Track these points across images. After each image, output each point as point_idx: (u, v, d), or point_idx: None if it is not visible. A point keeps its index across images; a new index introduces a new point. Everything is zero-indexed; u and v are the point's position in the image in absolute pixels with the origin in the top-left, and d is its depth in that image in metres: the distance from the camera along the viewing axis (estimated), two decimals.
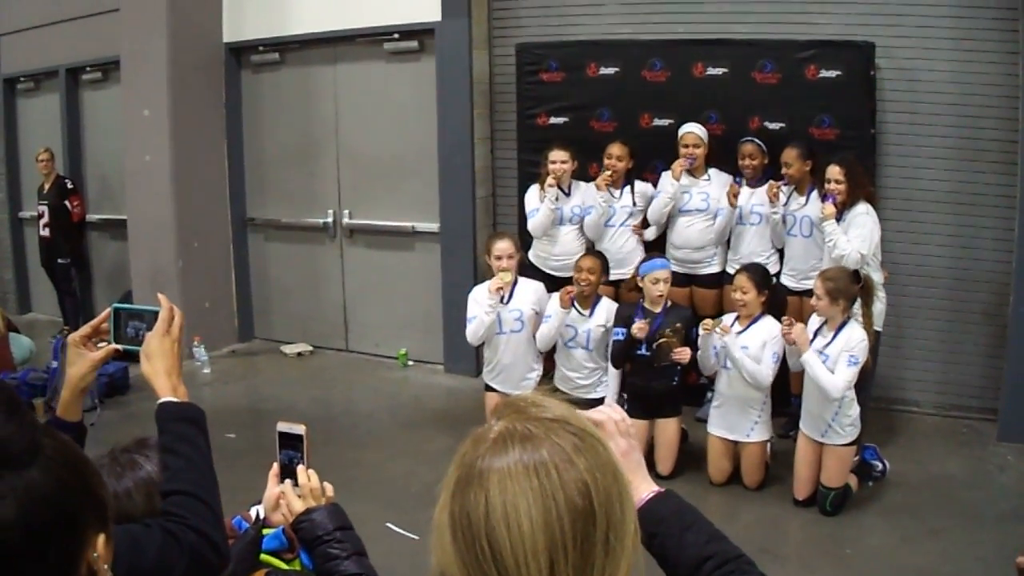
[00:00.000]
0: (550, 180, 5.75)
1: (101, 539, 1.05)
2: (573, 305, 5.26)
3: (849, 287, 4.59)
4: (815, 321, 4.75)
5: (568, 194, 5.89)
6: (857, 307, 4.69)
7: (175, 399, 1.65)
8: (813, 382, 4.57)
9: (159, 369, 1.68)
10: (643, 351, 5.03)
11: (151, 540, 1.43)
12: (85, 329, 1.80)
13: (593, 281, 5.28)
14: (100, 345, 1.80)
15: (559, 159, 5.77)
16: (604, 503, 0.99)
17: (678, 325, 5.00)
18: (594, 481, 0.99)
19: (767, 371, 4.79)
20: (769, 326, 4.86)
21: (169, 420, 1.62)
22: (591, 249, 5.76)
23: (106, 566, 1.06)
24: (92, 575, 1.05)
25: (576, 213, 5.90)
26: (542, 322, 5.35)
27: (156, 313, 1.74)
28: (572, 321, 5.32)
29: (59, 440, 1.05)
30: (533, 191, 5.96)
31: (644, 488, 1.42)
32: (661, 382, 5.06)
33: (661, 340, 4.96)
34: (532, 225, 5.91)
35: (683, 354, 4.92)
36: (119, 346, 1.79)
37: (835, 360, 4.51)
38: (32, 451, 0.99)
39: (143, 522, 1.47)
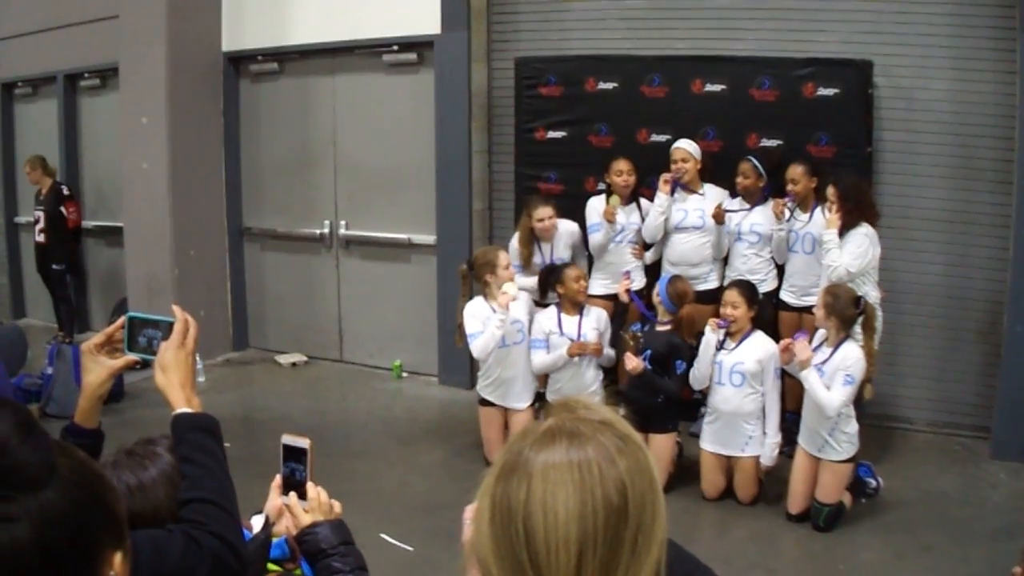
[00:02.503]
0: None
1: (118, 557, 1.05)
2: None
3: (847, 308, 4.59)
4: (817, 336, 4.77)
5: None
6: (858, 329, 4.70)
7: (190, 410, 1.67)
8: (811, 397, 4.58)
9: (174, 381, 1.69)
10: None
11: (173, 545, 1.45)
12: (99, 337, 1.80)
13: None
14: (115, 355, 1.80)
15: (546, 215, 5.78)
16: (638, 505, 1.03)
17: (637, 334, 5.03)
18: (632, 483, 1.03)
19: (774, 395, 4.89)
20: (763, 343, 4.89)
21: (186, 430, 1.65)
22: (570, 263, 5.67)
23: None
24: None
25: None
26: (532, 346, 5.38)
27: (171, 324, 1.75)
28: (568, 331, 5.30)
29: (75, 459, 1.05)
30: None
31: None
32: (644, 396, 5.02)
33: (622, 334, 5.10)
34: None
35: (630, 361, 4.95)
36: (135, 356, 1.79)
37: (831, 377, 4.52)
38: (47, 472, 0.99)
39: (165, 527, 1.49)
